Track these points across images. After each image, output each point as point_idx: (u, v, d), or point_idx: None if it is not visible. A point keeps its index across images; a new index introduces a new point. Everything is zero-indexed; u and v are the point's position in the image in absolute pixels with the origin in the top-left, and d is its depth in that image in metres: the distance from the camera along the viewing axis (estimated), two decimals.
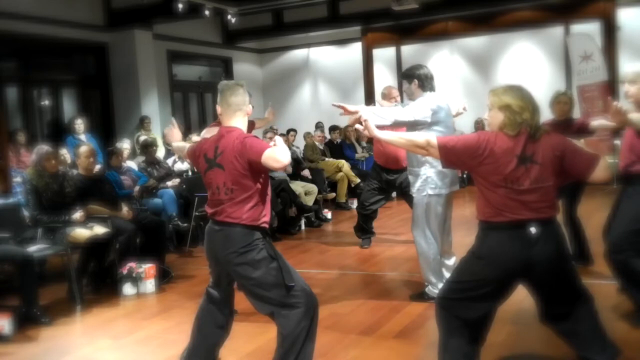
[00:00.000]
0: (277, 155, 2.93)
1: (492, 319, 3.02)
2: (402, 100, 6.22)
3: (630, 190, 3.95)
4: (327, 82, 13.69)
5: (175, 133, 3.85)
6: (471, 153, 2.89)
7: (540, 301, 3.04)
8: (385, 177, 6.49)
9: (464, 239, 6.33)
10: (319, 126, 11.44)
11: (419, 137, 3.12)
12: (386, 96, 6.34)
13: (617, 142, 4.13)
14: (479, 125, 11.20)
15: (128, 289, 5.43)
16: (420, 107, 4.44)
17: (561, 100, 5.21)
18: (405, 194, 6.51)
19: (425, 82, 4.60)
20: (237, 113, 3.20)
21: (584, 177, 2.89)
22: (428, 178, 4.53)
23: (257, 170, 3.07)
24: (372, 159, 7.35)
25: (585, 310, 3.00)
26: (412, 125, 4.38)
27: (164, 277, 5.76)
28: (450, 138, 3.07)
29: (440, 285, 4.65)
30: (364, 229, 6.88)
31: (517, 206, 2.82)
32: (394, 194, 8.40)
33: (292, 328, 3.06)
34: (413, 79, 4.61)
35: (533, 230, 2.81)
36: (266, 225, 3.15)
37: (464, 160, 2.98)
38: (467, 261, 3.01)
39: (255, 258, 3.06)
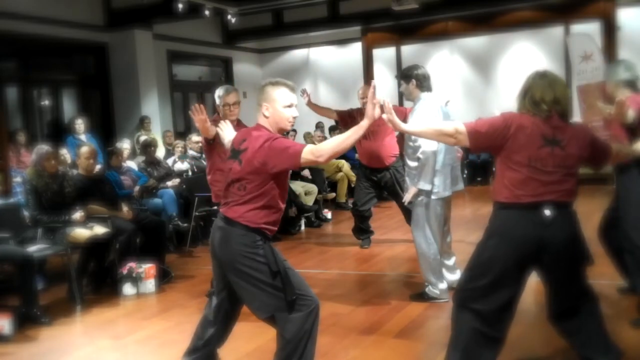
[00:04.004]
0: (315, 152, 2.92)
1: (509, 315, 2.97)
2: (400, 102, 6.22)
3: (625, 179, 4.01)
4: (327, 82, 13.68)
5: (230, 130, 3.69)
6: (500, 133, 2.91)
7: (550, 292, 3.03)
8: (370, 176, 6.50)
9: (464, 239, 6.35)
10: (319, 126, 11.45)
11: (447, 125, 3.12)
12: (358, 96, 6.43)
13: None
14: None
15: (128, 289, 5.43)
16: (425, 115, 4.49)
17: None
18: (392, 193, 6.53)
19: (423, 82, 4.64)
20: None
21: (601, 164, 3.09)
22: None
23: (277, 173, 3.01)
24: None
25: (590, 309, 3.01)
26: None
27: (164, 277, 5.76)
28: (477, 122, 3.06)
29: (441, 286, 4.67)
30: (362, 229, 6.88)
31: (537, 186, 2.84)
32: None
33: (295, 332, 3.00)
34: (411, 79, 4.65)
35: (547, 212, 2.83)
36: (267, 228, 3.05)
37: (493, 140, 2.95)
38: (479, 246, 3.00)
39: (256, 265, 2.99)
